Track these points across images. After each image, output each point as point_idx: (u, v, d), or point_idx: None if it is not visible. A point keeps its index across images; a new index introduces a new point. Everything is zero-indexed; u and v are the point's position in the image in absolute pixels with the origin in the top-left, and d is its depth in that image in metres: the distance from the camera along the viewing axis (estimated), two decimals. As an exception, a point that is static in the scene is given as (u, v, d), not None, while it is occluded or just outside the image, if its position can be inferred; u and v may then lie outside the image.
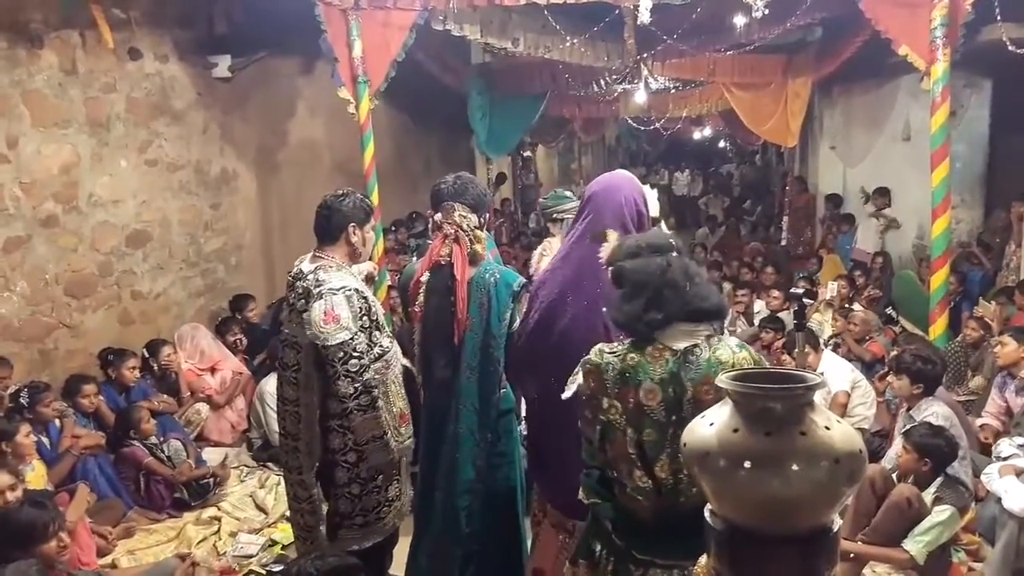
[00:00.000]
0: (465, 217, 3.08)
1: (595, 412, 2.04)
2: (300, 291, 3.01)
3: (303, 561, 2.62)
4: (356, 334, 2.90)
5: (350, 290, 2.95)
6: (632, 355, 2.00)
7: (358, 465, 3.06)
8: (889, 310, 6.72)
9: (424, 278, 3.12)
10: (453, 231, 3.07)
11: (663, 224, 3.26)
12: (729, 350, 1.99)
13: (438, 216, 3.14)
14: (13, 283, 4.92)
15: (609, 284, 2.28)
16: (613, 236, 2.34)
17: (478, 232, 3.10)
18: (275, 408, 5.08)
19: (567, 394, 2.11)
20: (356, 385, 2.88)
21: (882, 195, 8.78)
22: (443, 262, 3.06)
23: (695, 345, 1.98)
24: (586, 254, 2.52)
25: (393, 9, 5.71)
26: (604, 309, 2.35)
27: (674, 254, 2.09)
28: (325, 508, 3.15)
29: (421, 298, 3.13)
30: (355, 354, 2.88)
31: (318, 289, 2.92)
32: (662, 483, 1.98)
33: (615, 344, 2.08)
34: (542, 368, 2.61)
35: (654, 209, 4.50)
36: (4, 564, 3.10)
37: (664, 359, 1.98)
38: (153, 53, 5.97)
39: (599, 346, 2.09)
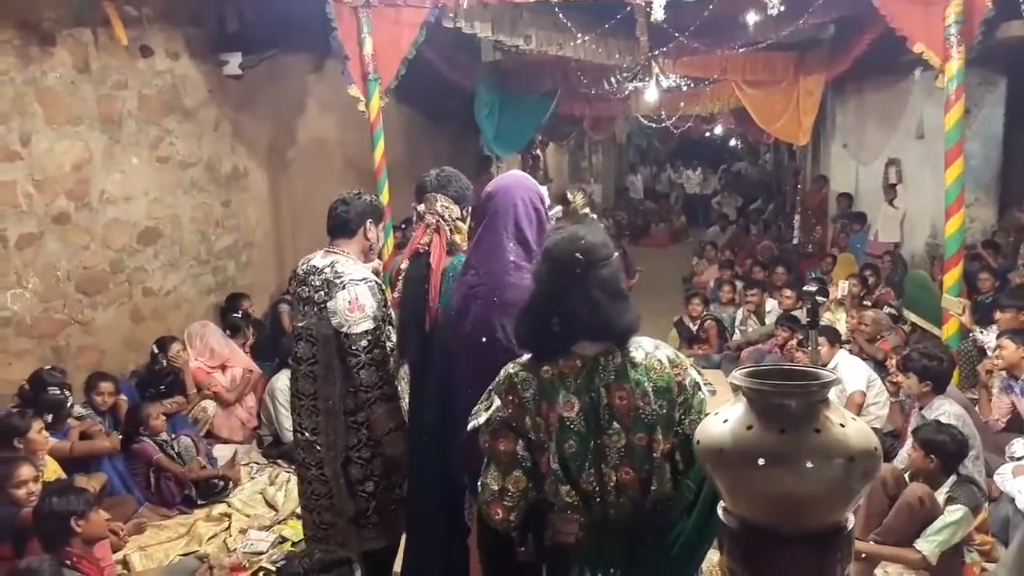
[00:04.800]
0: (447, 208, 3.06)
1: (518, 434, 1.96)
2: (318, 284, 3.04)
3: (292, 560, 2.61)
4: (380, 323, 2.94)
5: (371, 281, 3.01)
6: (547, 368, 1.95)
7: (372, 462, 3.08)
8: (889, 310, 6.64)
9: (404, 266, 3.12)
10: (435, 220, 3.07)
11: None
12: (643, 351, 1.96)
13: (421, 207, 3.15)
14: (26, 280, 4.94)
15: (506, 289, 2.34)
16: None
17: (459, 223, 3.11)
18: (286, 405, 5.14)
19: (475, 423, 2.02)
20: (381, 374, 2.92)
21: (891, 187, 8.78)
22: (422, 250, 3.06)
23: (607, 350, 1.93)
24: (484, 258, 2.53)
25: (404, 6, 5.71)
26: (496, 321, 2.38)
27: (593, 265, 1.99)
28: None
29: (400, 285, 3.14)
30: (379, 343, 2.92)
31: (340, 280, 2.97)
32: (589, 496, 1.94)
33: (524, 359, 2.02)
34: (461, 360, 2.62)
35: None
36: (51, 552, 3.16)
37: (577, 367, 1.94)
38: (165, 51, 5.98)
39: (508, 365, 2.03)
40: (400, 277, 3.11)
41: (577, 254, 1.93)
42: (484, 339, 2.44)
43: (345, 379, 3.01)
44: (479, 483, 2.01)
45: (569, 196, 3.03)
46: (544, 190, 2.73)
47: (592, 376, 1.92)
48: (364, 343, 2.90)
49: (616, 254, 2.06)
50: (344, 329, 2.91)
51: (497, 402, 1.99)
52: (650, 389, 1.91)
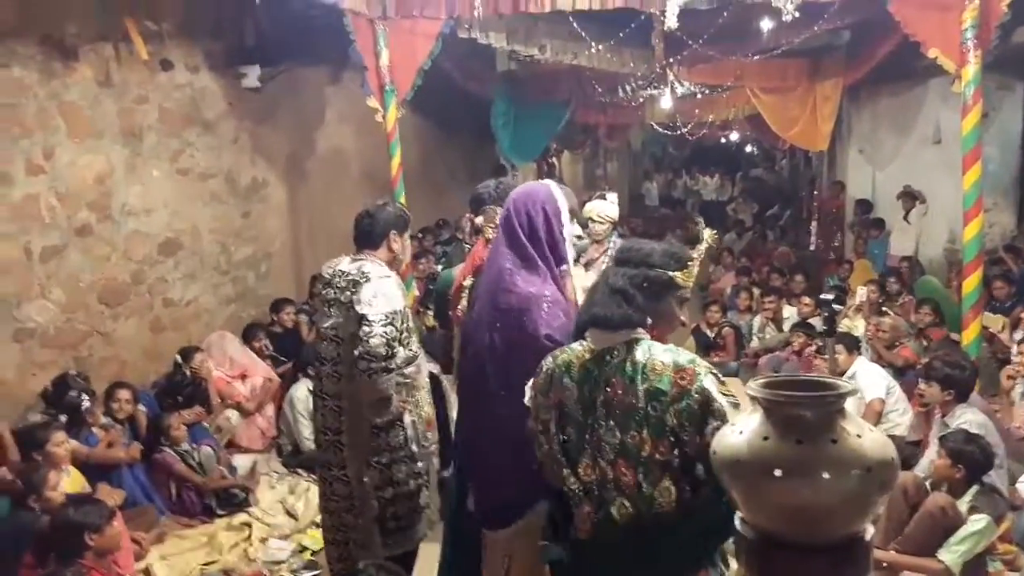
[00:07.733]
0: None
1: (537, 413, 2.11)
2: (343, 285, 3.10)
3: (369, 565, 2.61)
4: (399, 314, 2.99)
5: (398, 280, 3.11)
6: (563, 355, 2.08)
7: (391, 468, 3.10)
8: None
9: (467, 282, 3.14)
10: (495, 235, 3.09)
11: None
12: (646, 352, 1.97)
13: (479, 219, 3.15)
14: (49, 291, 5.00)
15: (498, 295, 2.39)
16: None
17: None
18: (304, 414, 5.17)
19: (526, 398, 2.18)
20: (390, 350, 2.91)
21: (912, 198, 8.67)
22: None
23: (614, 347, 2.01)
24: (486, 268, 2.57)
25: (420, 18, 5.75)
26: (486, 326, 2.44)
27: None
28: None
29: (463, 302, 3.14)
30: (393, 324, 2.94)
31: (366, 276, 3.03)
32: (588, 487, 2.01)
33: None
34: (469, 370, 2.66)
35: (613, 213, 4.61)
36: (67, 561, 3.21)
37: (584, 358, 2.04)
38: (184, 64, 6.05)
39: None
40: (463, 293, 3.13)
41: (627, 246, 2.15)
42: (473, 350, 2.50)
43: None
44: None
45: (706, 235, 3.18)
46: (566, 194, 2.68)
47: (595, 369, 2.00)
48: (380, 317, 2.92)
49: (668, 276, 2.07)
50: (360, 309, 2.95)
51: (533, 381, 2.14)
52: (642, 389, 1.92)
